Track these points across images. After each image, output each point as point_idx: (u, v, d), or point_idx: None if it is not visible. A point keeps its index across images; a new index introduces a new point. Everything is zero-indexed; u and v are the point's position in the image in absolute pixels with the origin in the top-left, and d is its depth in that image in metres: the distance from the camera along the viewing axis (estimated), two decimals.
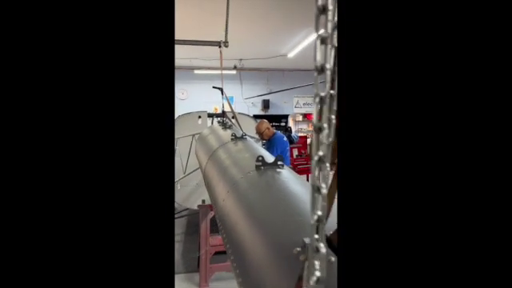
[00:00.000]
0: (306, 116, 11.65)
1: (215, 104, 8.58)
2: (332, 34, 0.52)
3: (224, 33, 3.31)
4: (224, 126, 2.91)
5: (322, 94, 0.49)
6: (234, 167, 1.37)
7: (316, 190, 0.48)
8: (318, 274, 0.46)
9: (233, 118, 3.32)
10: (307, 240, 0.48)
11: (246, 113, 7.84)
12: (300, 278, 0.49)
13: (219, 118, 3.65)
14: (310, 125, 11.74)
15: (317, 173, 0.49)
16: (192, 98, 10.32)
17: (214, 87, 3.81)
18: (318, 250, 0.46)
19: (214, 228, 3.76)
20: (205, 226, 3.83)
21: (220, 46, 3.37)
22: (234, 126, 2.99)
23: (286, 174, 1.03)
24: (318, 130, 0.48)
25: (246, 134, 2.08)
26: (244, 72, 10.30)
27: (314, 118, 0.49)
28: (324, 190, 0.47)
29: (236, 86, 10.28)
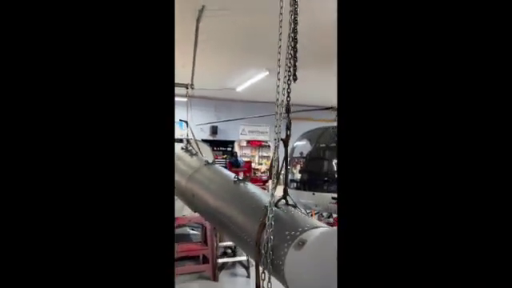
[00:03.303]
0: (250, 142, 12.67)
1: None
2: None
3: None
4: (190, 153, 3.68)
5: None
6: (214, 183, 2.21)
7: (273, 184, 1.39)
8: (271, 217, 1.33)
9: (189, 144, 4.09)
10: (267, 204, 1.35)
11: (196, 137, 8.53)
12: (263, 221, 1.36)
13: (182, 145, 4.40)
14: (253, 150, 12.77)
15: (271, 181, 1.40)
16: None
17: (180, 120, 4.59)
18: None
19: (176, 238, 4.44)
20: None
21: (187, 88, 4.20)
22: (198, 153, 3.77)
23: (251, 185, 1.91)
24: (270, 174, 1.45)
25: (214, 161, 2.91)
26: (193, 99, 11.03)
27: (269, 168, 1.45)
28: (271, 187, 1.38)
29: (186, 112, 10.94)
